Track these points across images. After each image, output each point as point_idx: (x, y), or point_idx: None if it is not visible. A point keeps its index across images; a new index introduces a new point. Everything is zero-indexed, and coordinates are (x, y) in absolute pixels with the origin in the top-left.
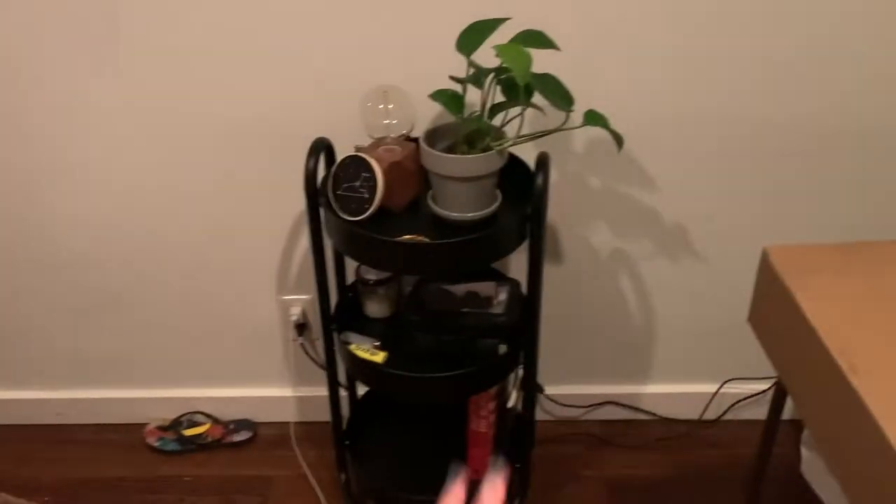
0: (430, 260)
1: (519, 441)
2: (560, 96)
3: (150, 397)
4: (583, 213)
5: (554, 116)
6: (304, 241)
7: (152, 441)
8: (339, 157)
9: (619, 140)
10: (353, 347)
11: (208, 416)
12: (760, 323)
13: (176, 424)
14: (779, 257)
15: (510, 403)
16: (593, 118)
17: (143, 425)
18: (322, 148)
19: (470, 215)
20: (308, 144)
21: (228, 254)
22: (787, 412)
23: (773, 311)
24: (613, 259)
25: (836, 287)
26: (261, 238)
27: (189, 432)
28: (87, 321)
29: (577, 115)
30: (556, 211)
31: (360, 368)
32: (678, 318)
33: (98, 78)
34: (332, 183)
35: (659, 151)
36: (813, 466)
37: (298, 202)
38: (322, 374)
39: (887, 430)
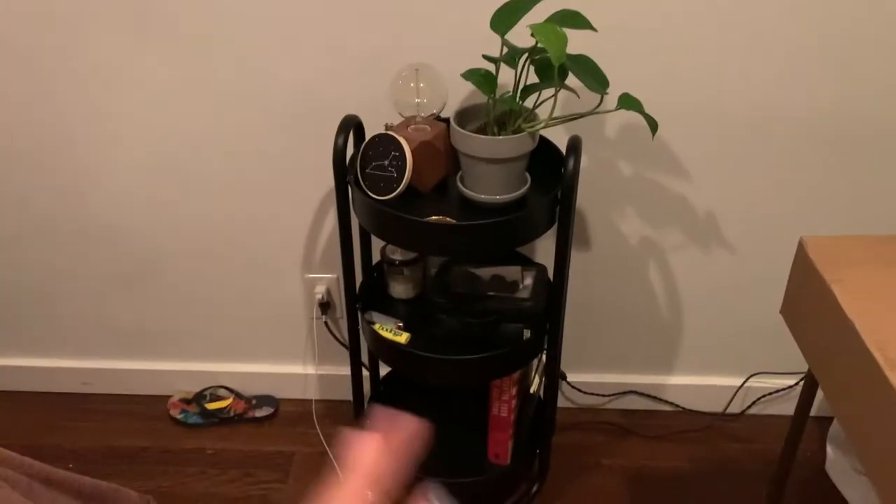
0: (457, 241)
1: (539, 426)
2: (595, 78)
3: (174, 370)
4: (612, 199)
5: (586, 101)
6: (331, 221)
7: (175, 413)
8: (369, 135)
9: (653, 125)
10: (376, 327)
11: (231, 390)
12: (794, 315)
13: (199, 398)
14: (815, 248)
15: (532, 389)
16: (628, 102)
17: (166, 397)
18: (351, 126)
19: (498, 198)
20: (338, 122)
21: (257, 231)
22: (813, 409)
23: (808, 304)
24: (642, 247)
25: (874, 280)
26: (288, 216)
27: (212, 406)
28: (115, 292)
29: (610, 100)
30: (585, 197)
31: (383, 348)
32: (705, 310)
33: (138, 51)
34: (360, 161)
35: (691, 140)
36: (838, 465)
37: (327, 180)
38: (344, 354)
39: None
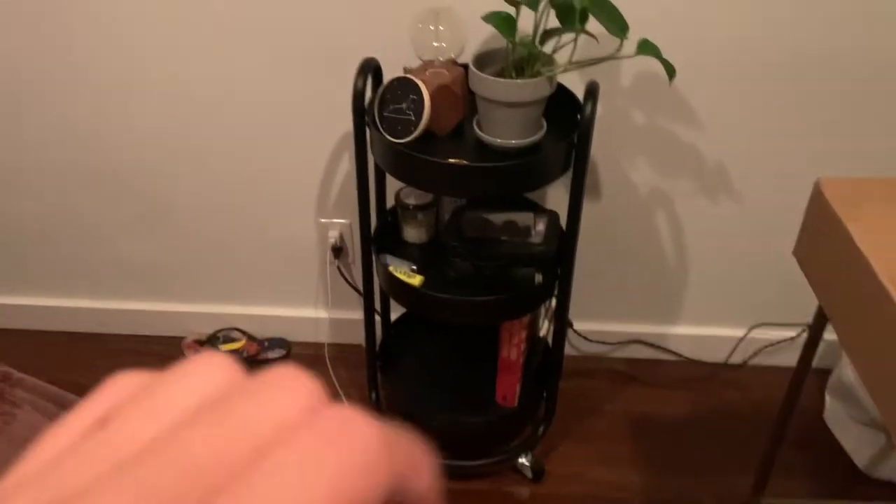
0: (474, 183)
1: (547, 371)
2: (616, 23)
3: (188, 311)
4: (624, 148)
5: (604, 48)
6: (345, 166)
7: (190, 354)
8: (387, 78)
9: (670, 70)
10: (391, 269)
11: (244, 332)
12: (807, 255)
13: (213, 339)
14: (831, 189)
15: (542, 333)
16: (647, 47)
17: (181, 338)
18: (370, 68)
19: (514, 142)
20: (356, 65)
21: (272, 174)
22: (813, 361)
23: (822, 243)
24: (651, 197)
25: (890, 219)
26: (303, 160)
27: (225, 347)
28: (131, 234)
29: (628, 46)
30: (597, 144)
31: (396, 290)
32: (711, 260)
33: None
34: (378, 104)
35: (705, 88)
36: (835, 414)
37: (342, 125)
38: (355, 298)
39: None
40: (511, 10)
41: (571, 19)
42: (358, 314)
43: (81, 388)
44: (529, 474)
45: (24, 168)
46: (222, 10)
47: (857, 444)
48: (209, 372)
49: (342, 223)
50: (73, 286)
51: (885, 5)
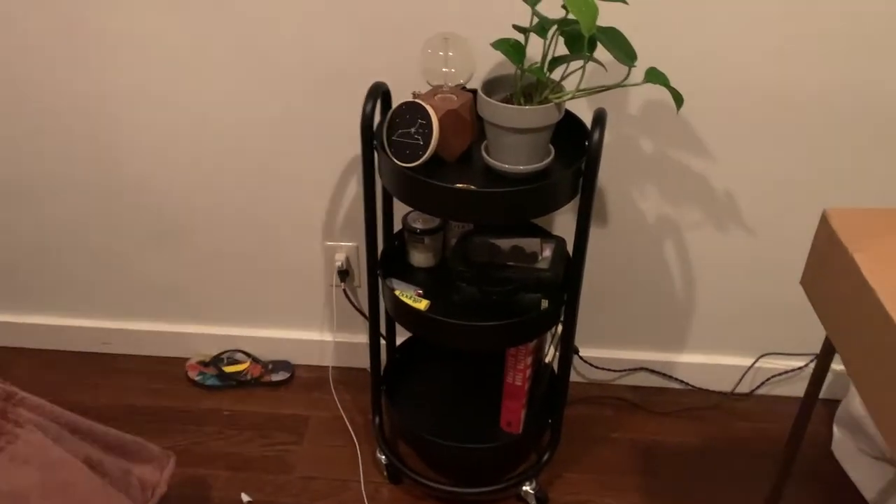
0: (481, 208)
1: (552, 397)
2: (623, 51)
3: (193, 332)
4: (632, 175)
5: (612, 76)
6: (352, 189)
7: (193, 375)
8: (396, 103)
9: (678, 99)
10: (397, 293)
11: (248, 354)
12: (814, 285)
13: (217, 360)
14: (839, 220)
15: (547, 359)
16: (655, 76)
17: (185, 359)
18: (379, 93)
19: (522, 168)
20: (365, 89)
21: (279, 197)
22: (821, 391)
23: (829, 273)
24: (659, 225)
25: None
26: (311, 183)
27: (229, 369)
28: (137, 253)
29: (636, 75)
30: (605, 172)
31: (402, 314)
32: (718, 289)
33: (169, 10)
34: (387, 128)
35: (713, 118)
36: (844, 446)
37: (350, 149)
38: (360, 322)
39: None
40: (520, 37)
41: (580, 47)
42: (363, 338)
43: (86, 408)
44: (533, 502)
45: (32, 186)
46: (234, 33)
47: (866, 476)
48: None
49: (349, 246)
50: (77, 305)
51: (893, 41)
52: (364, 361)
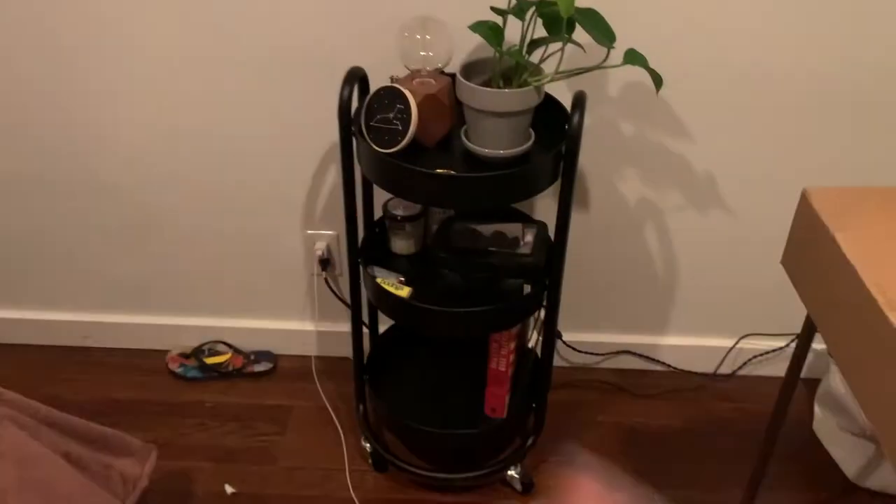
0: (462, 193)
1: (536, 382)
2: (602, 32)
3: (173, 324)
4: (613, 158)
5: (591, 58)
6: (332, 177)
7: (174, 367)
8: (374, 88)
9: (657, 80)
10: (379, 280)
11: (230, 345)
12: (795, 265)
13: (198, 352)
14: (818, 198)
15: (530, 344)
16: (634, 57)
17: (165, 352)
18: (357, 78)
19: (502, 152)
20: (342, 74)
21: (258, 185)
22: (802, 371)
23: (810, 252)
24: (640, 207)
25: (876, 227)
26: (289, 171)
27: (210, 360)
28: (115, 245)
29: (614, 57)
30: (586, 156)
31: (384, 302)
32: (700, 271)
33: (140, 5)
34: (365, 114)
35: (692, 98)
36: (824, 424)
37: (328, 136)
38: (342, 311)
39: None
40: (498, 19)
41: (558, 29)
42: (345, 326)
43: (66, 402)
44: (519, 487)
45: (8, 181)
46: (207, 22)
47: (847, 454)
48: None
49: (329, 235)
50: (55, 298)
51: (872, 22)
52: (347, 350)
